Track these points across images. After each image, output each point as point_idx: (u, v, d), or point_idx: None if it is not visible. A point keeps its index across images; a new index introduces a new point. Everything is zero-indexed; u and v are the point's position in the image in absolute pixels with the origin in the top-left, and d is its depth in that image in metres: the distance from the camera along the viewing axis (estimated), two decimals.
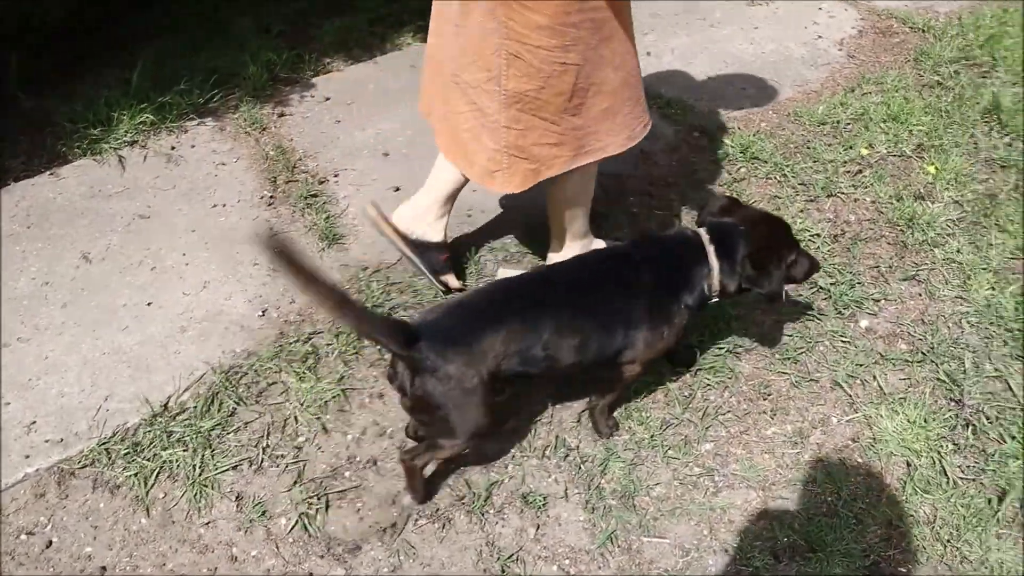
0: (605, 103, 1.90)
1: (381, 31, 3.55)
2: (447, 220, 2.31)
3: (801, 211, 2.64)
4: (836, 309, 2.35)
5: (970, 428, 2.09)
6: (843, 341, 2.28)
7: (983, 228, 2.58)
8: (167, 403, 2.10)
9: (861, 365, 2.22)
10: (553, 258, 2.34)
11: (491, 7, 1.73)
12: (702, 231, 1.89)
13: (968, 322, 2.33)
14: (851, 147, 2.85)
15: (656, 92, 3.17)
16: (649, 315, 1.81)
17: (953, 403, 2.15)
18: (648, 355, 1.87)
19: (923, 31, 3.43)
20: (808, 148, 2.87)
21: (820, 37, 3.51)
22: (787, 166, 2.79)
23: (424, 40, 3.43)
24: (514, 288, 1.84)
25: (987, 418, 2.11)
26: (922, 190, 2.70)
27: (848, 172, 2.78)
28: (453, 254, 2.40)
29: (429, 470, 1.93)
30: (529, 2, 1.69)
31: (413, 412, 1.79)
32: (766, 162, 2.80)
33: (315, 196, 2.72)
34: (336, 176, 2.82)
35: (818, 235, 2.55)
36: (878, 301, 2.38)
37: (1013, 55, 3.18)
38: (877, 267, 2.48)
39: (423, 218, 2.28)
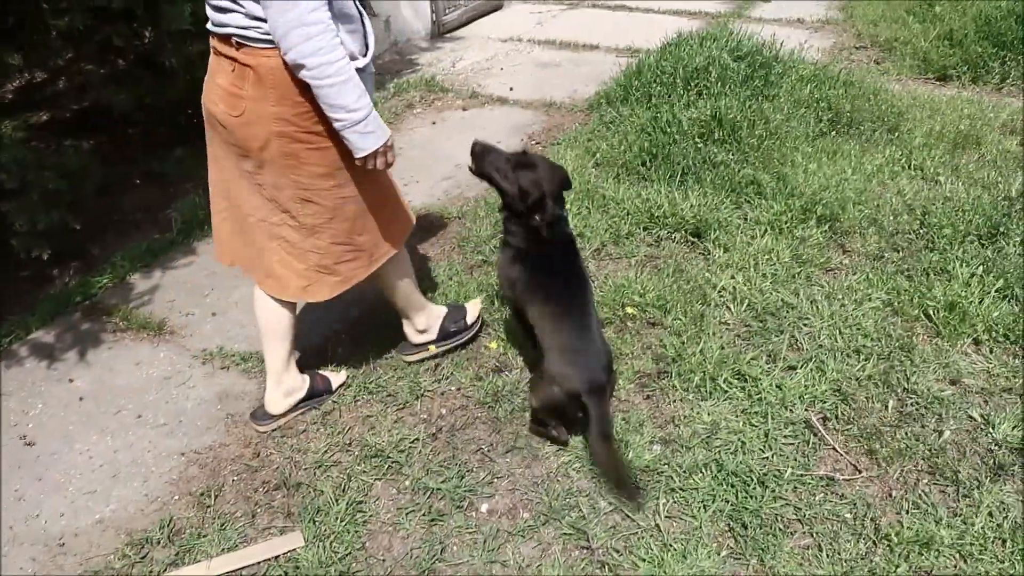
0: (381, 216, 2.74)
1: None
2: (293, 359, 2.99)
3: (396, 422, 2.91)
4: (454, 503, 2.60)
5: (605, 568, 2.39)
6: (469, 532, 2.51)
7: None
8: None
9: (492, 550, 2.45)
10: (410, 334, 3.15)
11: (281, 169, 2.52)
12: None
13: (574, 469, 2.70)
14: (426, 347, 3.23)
15: (229, 351, 3.35)
16: None
17: (585, 551, 2.45)
18: None
19: (459, 218, 4.08)
20: (387, 359, 3.20)
21: None
22: (371, 382, 3.08)
23: None
24: (579, 316, 2.72)
25: (616, 551, 2.43)
26: (498, 363, 3.14)
27: (428, 370, 3.14)
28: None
29: None
30: (312, 158, 2.50)
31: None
32: (350, 386, 3.07)
33: None
34: None
35: (417, 440, 2.82)
36: (490, 483, 2.67)
37: None
38: (480, 449, 2.80)
39: (283, 384, 2.94)
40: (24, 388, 3.28)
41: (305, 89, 2.38)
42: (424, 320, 3.14)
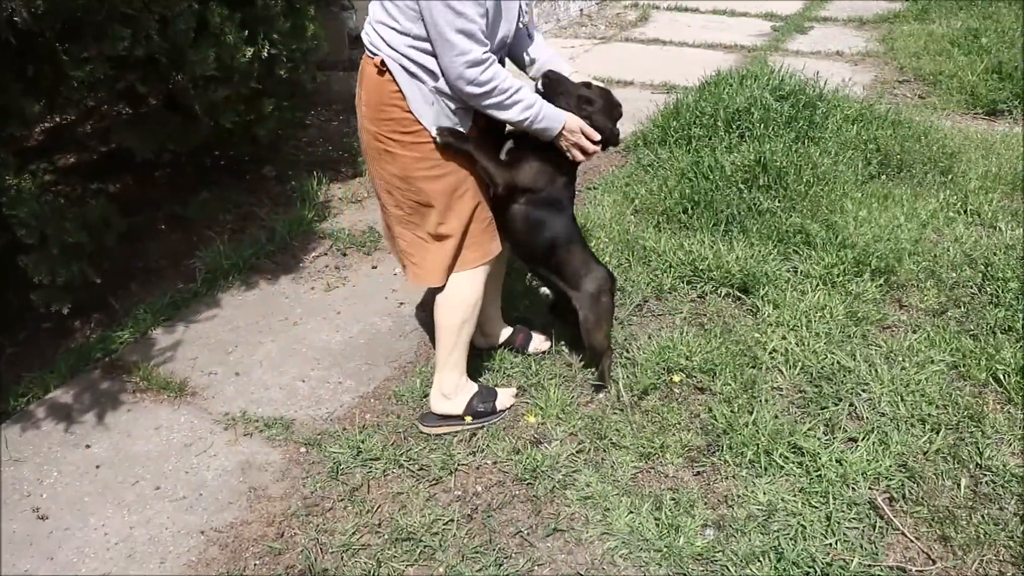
0: (459, 230, 2.74)
1: None
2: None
3: (428, 500, 2.72)
4: None
5: None
6: None
7: (602, 451, 2.86)
8: None
9: None
10: (435, 398, 3.00)
11: (371, 161, 2.77)
12: None
13: (620, 556, 2.50)
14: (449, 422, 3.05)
15: (252, 415, 3.18)
16: None
17: None
18: None
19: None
20: (418, 428, 3.02)
21: (402, 304, 3.83)
22: (401, 455, 2.89)
23: None
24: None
25: None
26: (536, 434, 2.94)
27: (462, 440, 2.95)
28: None
29: None
30: (387, 159, 2.68)
31: None
32: (379, 458, 2.88)
33: None
34: None
35: (451, 521, 2.63)
36: (530, 570, 2.47)
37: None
38: (519, 532, 2.60)
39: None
40: (40, 454, 3.13)
41: (386, 103, 2.60)
42: (453, 386, 2.99)
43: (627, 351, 3.31)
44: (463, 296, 2.86)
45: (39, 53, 3.45)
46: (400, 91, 2.57)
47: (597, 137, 2.76)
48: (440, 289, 2.87)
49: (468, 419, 2.98)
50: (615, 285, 3.14)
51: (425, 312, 3.76)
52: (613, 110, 2.89)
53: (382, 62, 2.55)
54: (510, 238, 2.92)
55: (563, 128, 2.69)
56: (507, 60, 2.84)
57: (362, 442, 2.96)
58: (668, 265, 3.79)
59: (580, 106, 2.78)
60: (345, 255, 4.30)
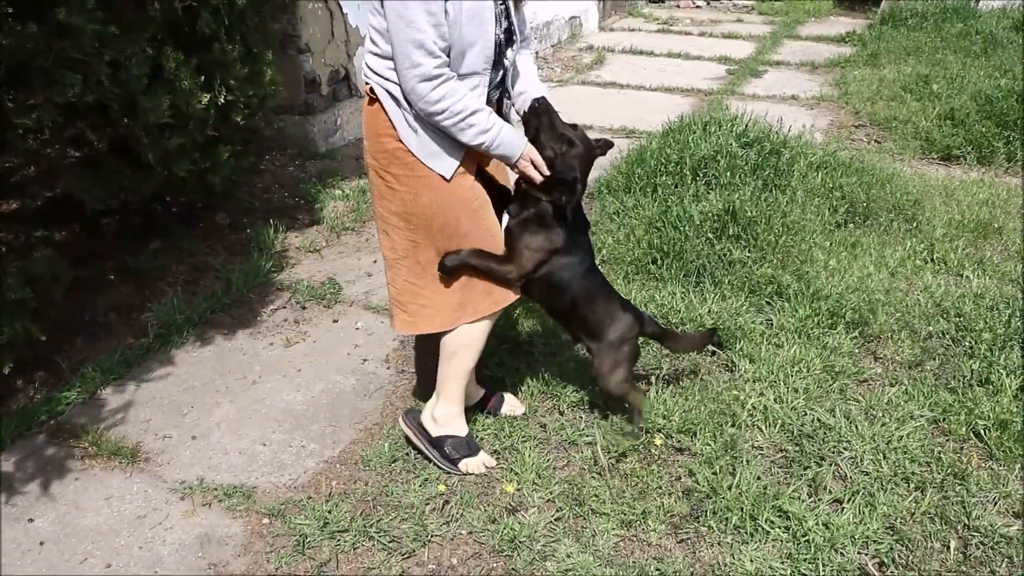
0: (461, 277, 2.72)
1: None
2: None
3: (401, 575, 2.59)
4: None
5: None
6: None
7: (581, 519, 2.76)
8: None
9: None
10: (426, 415, 3.00)
11: (373, 197, 2.80)
12: None
13: None
14: (428, 480, 2.92)
15: (211, 483, 3.01)
16: None
17: None
18: None
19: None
20: (387, 496, 2.88)
21: (366, 360, 3.70)
22: (371, 526, 2.75)
23: None
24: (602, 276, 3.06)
25: None
26: (512, 502, 2.83)
27: (435, 509, 2.82)
28: None
29: None
30: (387, 195, 2.70)
31: None
32: (347, 530, 2.74)
33: None
34: None
35: None
36: None
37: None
38: None
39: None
40: None
41: (381, 134, 2.62)
42: (445, 414, 2.98)
43: (603, 411, 3.22)
44: (464, 328, 2.83)
45: None
46: (390, 119, 2.59)
47: (547, 173, 2.70)
48: (442, 333, 2.85)
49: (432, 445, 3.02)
50: (645, 327, 3.06)
51: (390, 369, 3.64)
52: (590, 156, 2.83)
53: (371, 90, 2.60)
54: (536, 301, 3.00)
55: (521, 155, 2.67)
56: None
57: (329, 512, 2.81)
58: None
59: (557, 142, 2.74)
60: (304, 308, 4.17)
